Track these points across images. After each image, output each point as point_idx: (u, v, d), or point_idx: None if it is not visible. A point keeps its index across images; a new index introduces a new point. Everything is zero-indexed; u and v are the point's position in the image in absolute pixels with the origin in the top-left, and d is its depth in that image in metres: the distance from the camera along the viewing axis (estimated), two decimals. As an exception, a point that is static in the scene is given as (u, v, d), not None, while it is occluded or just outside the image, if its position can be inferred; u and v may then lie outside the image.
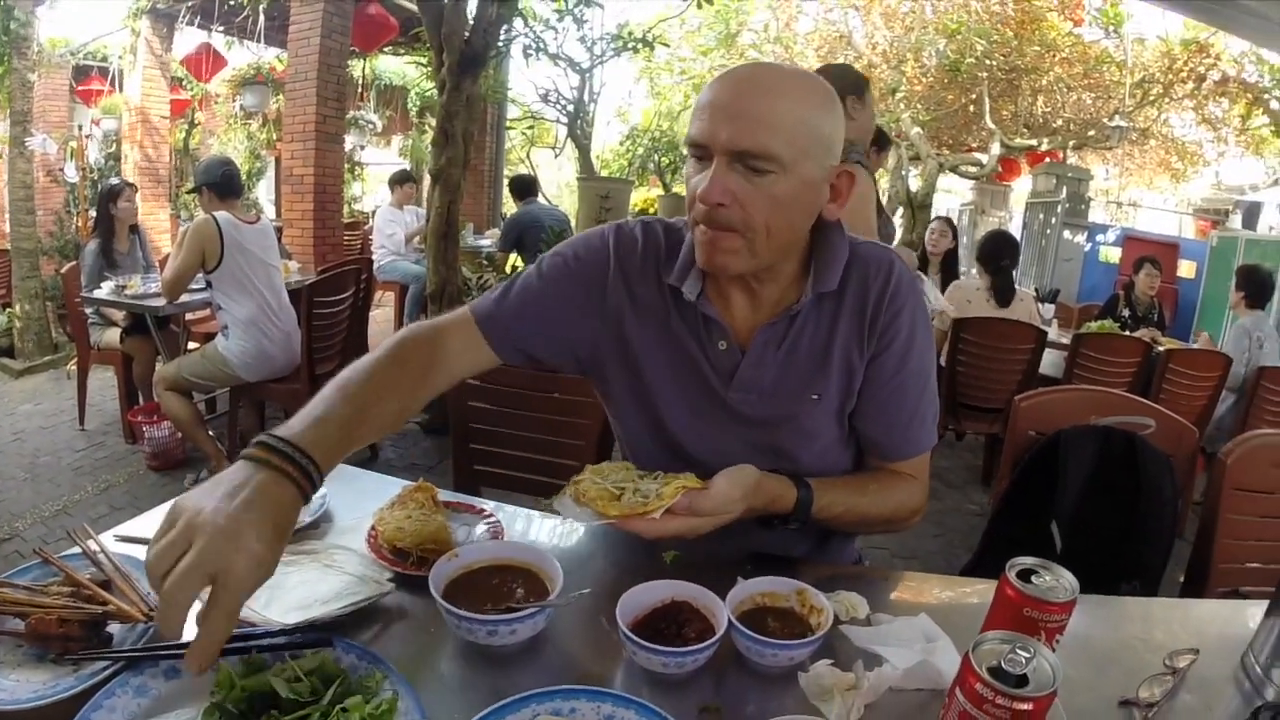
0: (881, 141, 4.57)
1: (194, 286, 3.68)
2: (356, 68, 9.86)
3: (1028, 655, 0.68)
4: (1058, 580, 0.86)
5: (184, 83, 9.39)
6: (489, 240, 7.39)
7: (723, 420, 1.20)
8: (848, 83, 3.58)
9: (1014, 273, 4.51)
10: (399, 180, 6.86)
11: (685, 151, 1.10)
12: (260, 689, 0.73)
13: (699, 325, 1.20)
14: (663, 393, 1.22)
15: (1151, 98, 10.90)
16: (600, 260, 1.24)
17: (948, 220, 5.89)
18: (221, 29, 8.22)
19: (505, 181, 8.83)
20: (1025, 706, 0.65)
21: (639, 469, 1.08)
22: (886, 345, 1.18)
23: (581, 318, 1.24)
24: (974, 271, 4.53)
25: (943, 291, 4.91)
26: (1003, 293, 4.27)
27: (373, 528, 1.14)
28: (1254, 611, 1.08)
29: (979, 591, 1.16)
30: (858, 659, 0.92)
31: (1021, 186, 13.54)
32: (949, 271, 5.42)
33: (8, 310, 6.01)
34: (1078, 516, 1.74)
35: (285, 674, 0.75)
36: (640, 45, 5.61)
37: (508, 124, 9.99)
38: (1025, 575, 0.86)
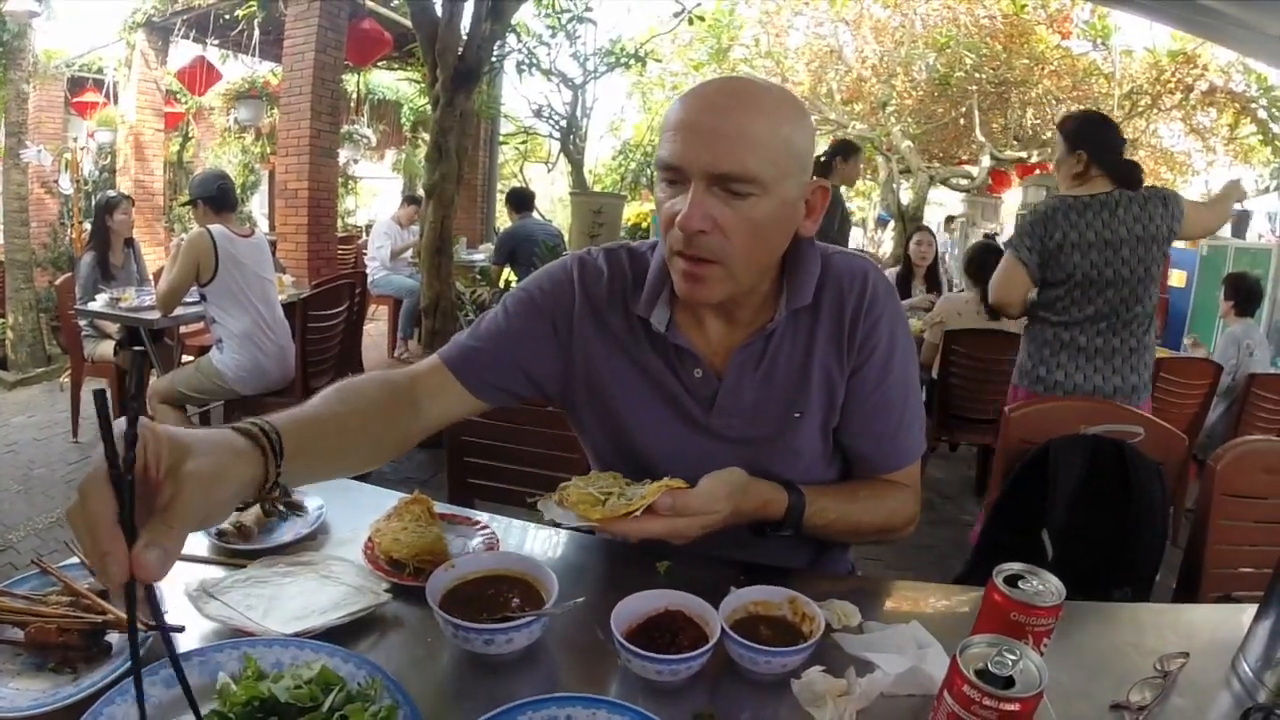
0: (845, 150, 4.63)
1: (188, 300, 3.68)
2: (350, 82, 9.90)
3: (1014, 657, 0.69)
4: (1044, 585, 0.87)
5: (179, 96, 9.41)
6: (482, 255, 7.41)
7: (706, 444, 1.17)
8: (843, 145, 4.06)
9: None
10: (409, 200, 6.92)
11: (657, 175, 1.06)
12: (260, 696, 0.74)
13: (671, 355, 1.18)
14: (640, 424, 1.20)
15: (1140, 109, 11.01)
16: (565, 294, 1.22)
17: (930, 230, 5.93)
18: (216, 43, 8.26)
19: (500, 196, 8.86)
20: (1012, 707, 0.66)
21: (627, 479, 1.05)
22: (867, 356, 1.16)
23: (548, 353, 1.22)
24: (963, 284, 4.53)
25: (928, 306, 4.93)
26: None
27: (369, 539, 1.15)
28: (1244, 615, 1.09)
29: (970, 599, 1.16)
30: (850, 666, 0.93)
31: (1012, 198, 13.62)
32: (932, 281, 5.45)
33: (1, 322, 6.00)
34: (1069, 525, 1.75)
35: (284, 681, 0.76)
36: (632, 60, 5.65)
37: (501, 139, 10.03)
38: (1012, 580, 0.87)
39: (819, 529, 1.15)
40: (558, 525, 0.96)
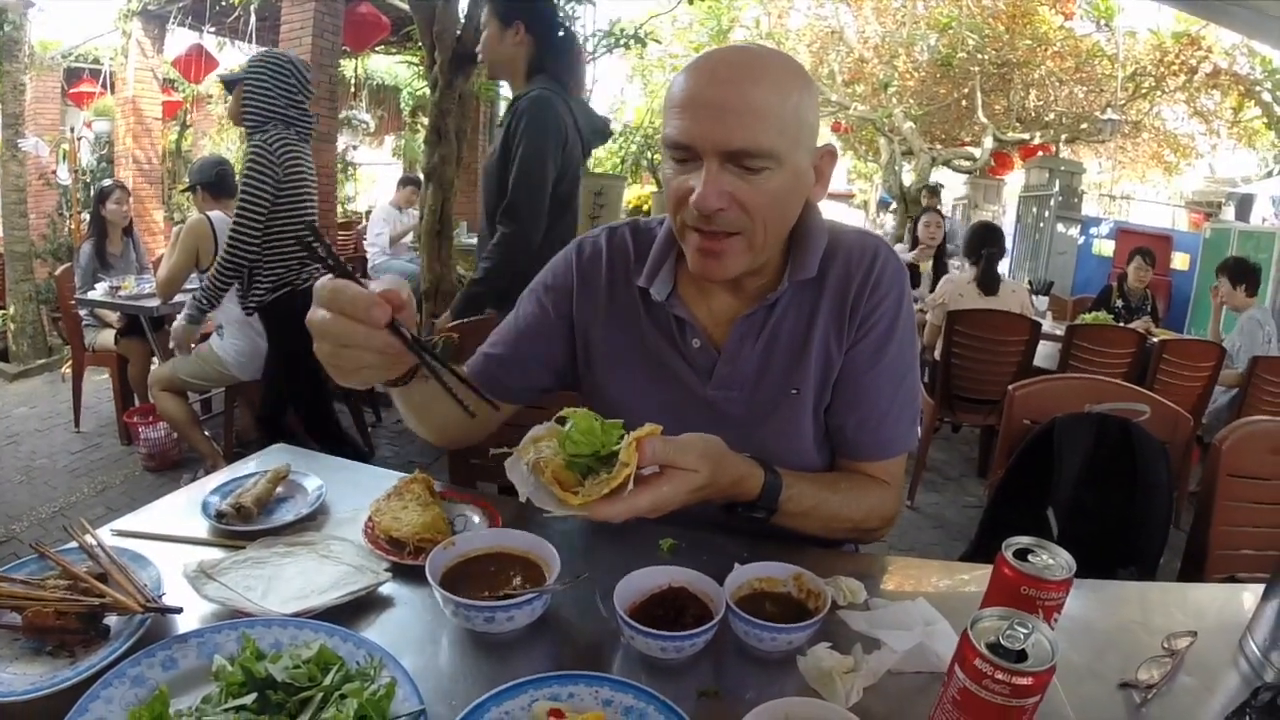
0: None
1: (188, 286, 3.67)
2: (348, 67, 9.84)
3: (1026, 631, 0.68)
4: (1054, 558, 0.85)
5: (176, 84, 9.36)
6: (483, 238, 7.35)
7: (705, 420, 1.12)
8: None
9: (1004, 262, 4.51)
10: (404, 182, 6.88)
11: (664, 152, 1.04)
12: (258, 676, 0.73)
13: (670, 325, 1.17)
14: (639, 398, 1.19)
15: (1143, 91, 10.97)
16: (565, 284, 1.25)
17: (939, 211, 5.90)
18: (213, 30, 8.19)
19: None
20: (1025, 681, 0.65)
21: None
22: (864, 335, 1.14)
23: (556, 343, 1.26)
24: (965, 264, 4.53)
25: (933, 286, 4.94)
26: (987, 282, 4.26)
27: (369, 519, 1.14)
28: (1251, 595, 1.09)
29: (976, 577, 1.16)
30: (856, 642, 0.92)
31: (1014, 180, 13.58)
32: (939, 264, 5.45)
33: (2, 313, 5.99)
34: (1074, 503, 1.75)
35: (282, 661, 0.75)
36: (632, 42, 5.60)
37: (500, 122, 9.97)
38: (1021, 554, 0.86)
39: (794, 516, 1.10)
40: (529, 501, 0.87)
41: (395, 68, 11.41)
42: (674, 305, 1.15)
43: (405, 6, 5.27)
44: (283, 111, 2.75)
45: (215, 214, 3.42)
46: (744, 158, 0.96)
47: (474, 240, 7.27)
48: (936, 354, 4.18)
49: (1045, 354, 4.26)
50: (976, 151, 11.83)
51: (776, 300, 1.14)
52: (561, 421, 0.91)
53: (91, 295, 3.98)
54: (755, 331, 1.15)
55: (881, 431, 1.18)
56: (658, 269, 1.15)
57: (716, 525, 1.15)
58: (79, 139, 8.78)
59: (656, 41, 6.56)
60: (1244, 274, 4.63)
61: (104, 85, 8.79)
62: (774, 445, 1.14)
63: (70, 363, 4.56)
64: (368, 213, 9.93)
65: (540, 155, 2.43)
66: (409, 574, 1.02)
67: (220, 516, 1.14)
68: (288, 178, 2.75)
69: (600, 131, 2.77)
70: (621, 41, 5.56)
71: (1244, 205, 11.81)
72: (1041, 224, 11.16)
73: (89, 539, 1.00)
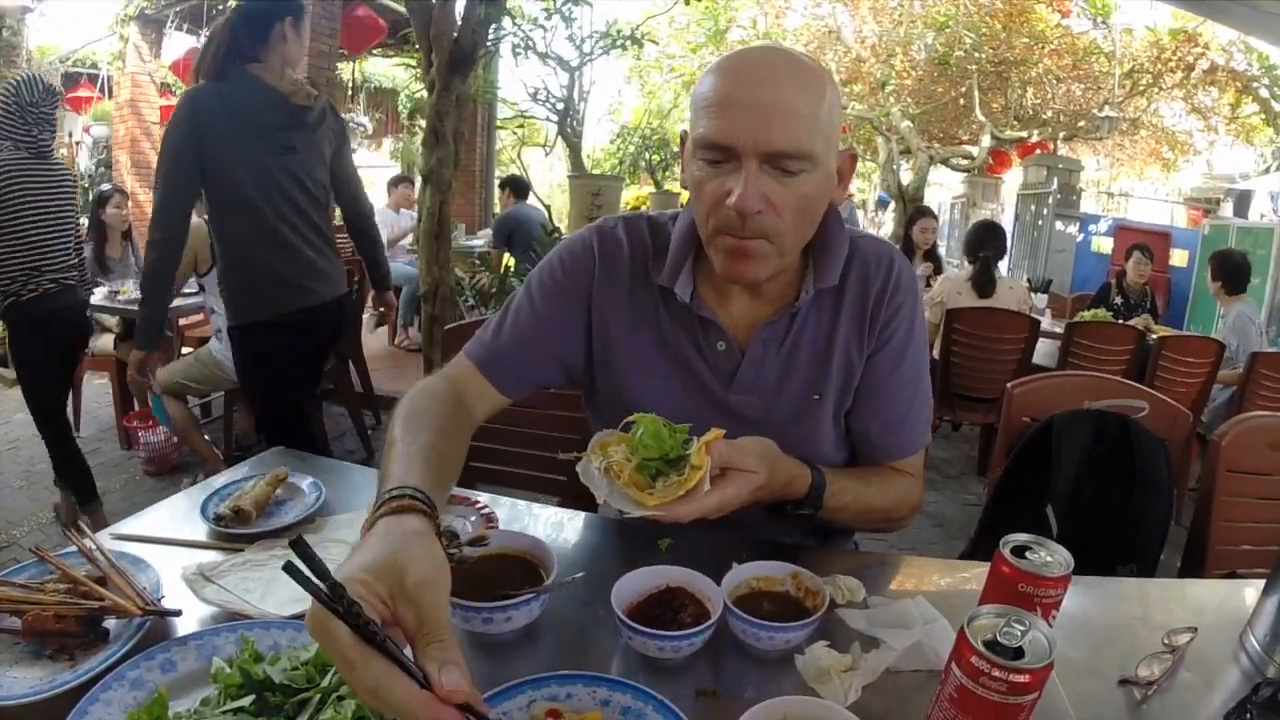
0: None
1: (187, 290, 3.67)
2: (346, 70, 9.85)
3: (1023, 628, 0.67)
4: (1052, 555, 0.85)
5: (174, 88, 9.37)
6: (481, 240, 7.36)
7: (721, 424, 1.09)
8: None
9: (1001, 263, 4.48)
10: (396, 182, 6.84)
11: (694, 152, 1.01)
12: (257, 678, 0.73)
13: (694, 326, 1.16)
14: (656, 399, 1.15)
15: (1141, 88, 10.96)
16: (586, 267, 1.20)
17: (934, 215, 5.96)
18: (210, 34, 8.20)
19: (497, 181, 8.81)
20: (1022, 679, 0.64)
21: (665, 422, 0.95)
22: (885, 342, 1.16)
23: (572, 330, 1.21)
24: (963, 262, 4.54)
25: (927, 283, 4.96)
26: (982, 284, 4.23)
27: (367, 520, 1.14)
28: (1251, 591, 1.08)
29: (975, 575, 1.15)
30: (855, 641, 0.92)
31: (1013, 178, 13.59)
32: (931, 261, 5.53)
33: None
34: (1073, 500, 1.74)
35: (281, 663, 0.75)
36: (629, 43, 5.60)
37: (498, 124, 9.97)
38: (1019, 551, 0.86)
39: (834, 511, 1.12)
40: (601, 502, 0.90)
41: (393, 70, 11.44)
42: (699, 306, 1.14)
43: (402, 9, 5.27)
44: (10, 133, 2.89)
45: (213, 218, 3.41)
46: (784, 159, 0.95)
47: (472, 243, 7.31)
48: (935, 352, 4.17)
49: (1044, 352, 4.26)
50: (974, 150, 11.82)
51: (800, 309, 1.13)
52: (626, 429, 0.96)
53: (91, 300, 3.97)
54: (779, 339, 1.15)
55: (902, 432, 1.22)
56: (679, 268, 1.13)
57: (711, 525, 1.15)
58: (77, 144, 8.79)
59: (654, 42, 6.56)
60: (1224, 270, 4.48)
61: (102, 90, 8.81)
62: (793, 448, 1.12)
63: (70, 367, 4.55)
64: (366, 215, 9.92)
65: (169, 158, 2.41)
66: (407, 575, 1.02)
67: (219, 519, 1.15)
68: (8, 197, 2.86)
69: (289, 108, 2.52)
70: (618, 43, 5.55)
71: (1242, 201, 11.82)
72: (1040, 222, 11.18)
73: (88, 543, 1.01)
